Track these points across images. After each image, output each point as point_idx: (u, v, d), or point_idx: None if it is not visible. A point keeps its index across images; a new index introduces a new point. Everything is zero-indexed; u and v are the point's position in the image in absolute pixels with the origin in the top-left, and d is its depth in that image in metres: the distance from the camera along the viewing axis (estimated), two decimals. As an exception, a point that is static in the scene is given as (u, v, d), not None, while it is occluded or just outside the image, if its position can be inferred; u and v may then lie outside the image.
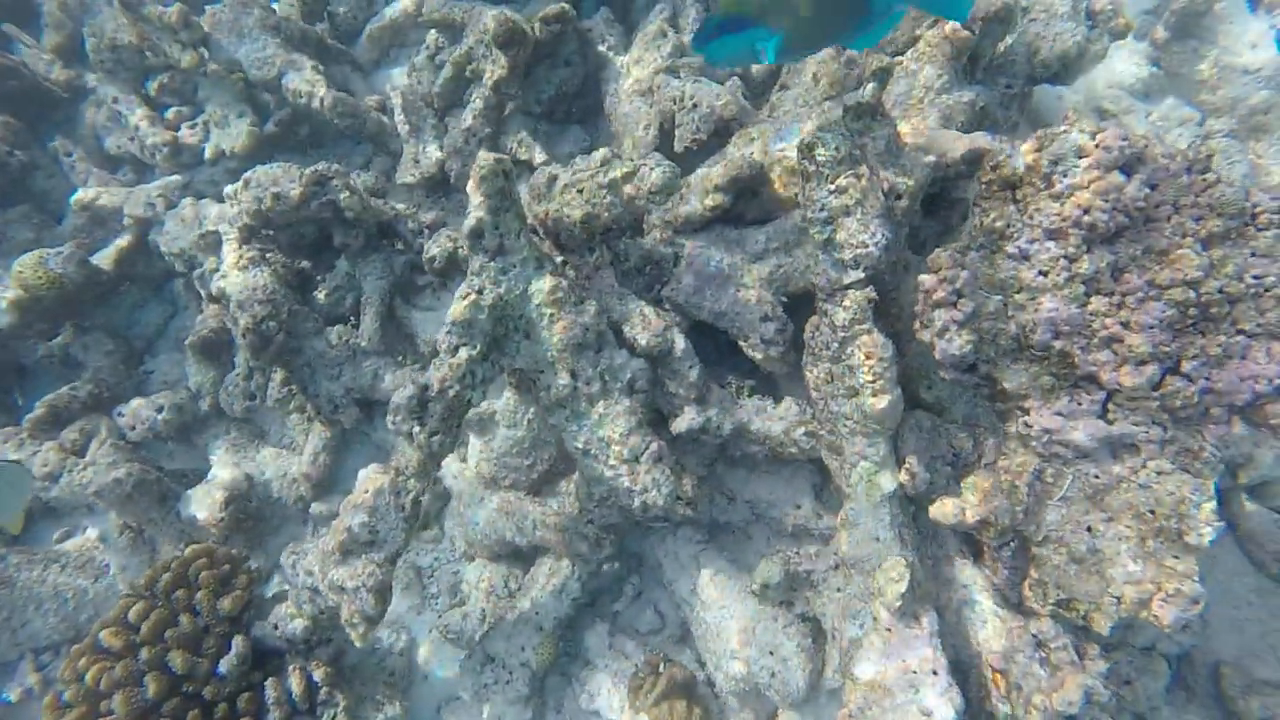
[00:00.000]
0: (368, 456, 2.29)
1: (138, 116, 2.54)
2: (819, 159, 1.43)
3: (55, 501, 2.25)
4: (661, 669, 1.80)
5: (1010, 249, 1.34)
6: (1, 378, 2.40)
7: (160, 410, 2.21)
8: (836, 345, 1.50)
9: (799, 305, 1.77)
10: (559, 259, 1.73)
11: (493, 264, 1.56)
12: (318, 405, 2.16)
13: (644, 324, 1.70)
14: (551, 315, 1.60)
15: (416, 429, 1.48)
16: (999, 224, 1.36)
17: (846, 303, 1.46)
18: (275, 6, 2.56)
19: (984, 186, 1.39)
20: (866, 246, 1.43)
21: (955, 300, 1.39)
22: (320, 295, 2.28)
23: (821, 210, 1.46)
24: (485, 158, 1.53)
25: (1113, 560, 1.32)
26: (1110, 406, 1.31)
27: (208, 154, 2.55)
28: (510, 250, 1.57)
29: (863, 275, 1.46)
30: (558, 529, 1.82)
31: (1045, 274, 1.31)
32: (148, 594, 1.75)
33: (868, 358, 1.43)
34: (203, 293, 2.29)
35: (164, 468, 2.25)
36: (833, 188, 1.44)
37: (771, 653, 1.71)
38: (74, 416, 2.20)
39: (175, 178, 2.54)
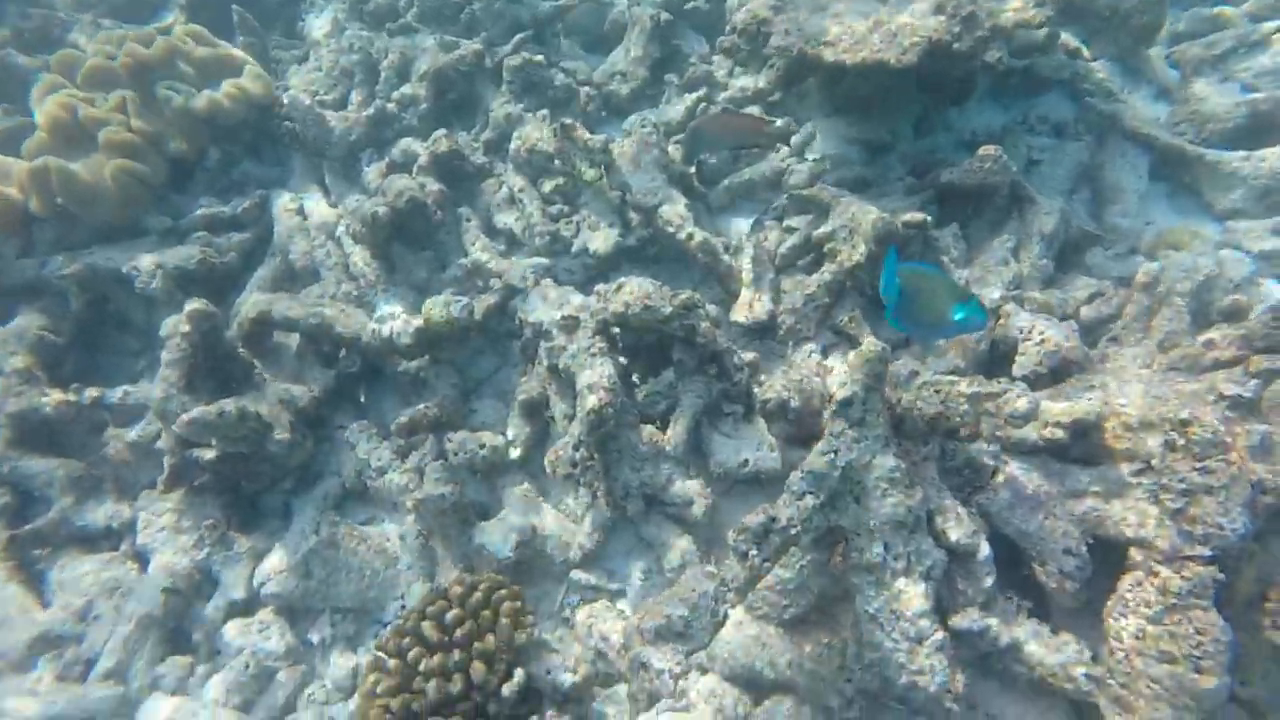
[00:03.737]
0: (628, 544, 2.53)
1: (534, 206, 3.09)
2: (1191, 436, 1.56)
3: (374, 491, 2.67)
4: None
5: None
6: (363, 379, 2.92)
7: (482, 446, 2.60)
8: (1161, 609, 1.56)
9: (1100, 549, 1.85)
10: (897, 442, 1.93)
11: (851, 432, 1.78)
12: (611, 488, 2.45)
13: (957, 522, 1.84)
14: (884, 491, 1.78)
15: (754, 552, 1.69)
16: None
17: (1187, 573, 1.53)
18: (670, 149, 3.08)
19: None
20: (1223, 530, 1.51)
21: (1311, 610, 1.43)
22: (640, 395, 2.61)
23: (1181, 482, 1.56)
24: (872, 344, 1.79)
25: None
26: None
27: (574, 248, 3.05)
28: (868, 425, 1.79)
29: (1208, 553, 1.54)
30: (815, 676, 1.94)
31: None
32: (459, 604, 2.04)
33: (1202, 634, 1.49)
34: (545, 363, 2.70)
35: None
36: (1199, 465, 1.55)
37: None
38: (420, 430, 2.63)
39: (543, 260, 3.04)
